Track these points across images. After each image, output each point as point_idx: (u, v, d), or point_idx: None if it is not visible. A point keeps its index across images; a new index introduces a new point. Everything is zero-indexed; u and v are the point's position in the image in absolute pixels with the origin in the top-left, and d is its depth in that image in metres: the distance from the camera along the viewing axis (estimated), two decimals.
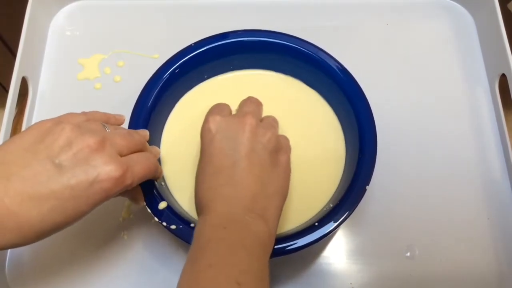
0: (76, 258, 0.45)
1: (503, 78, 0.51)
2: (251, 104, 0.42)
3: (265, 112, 0.44)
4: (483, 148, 0.51)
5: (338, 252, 0.46)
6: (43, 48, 0.56)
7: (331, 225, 0.39)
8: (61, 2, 0.58)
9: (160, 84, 0.44)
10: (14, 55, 0.52)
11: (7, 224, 0.29)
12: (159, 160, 0.44)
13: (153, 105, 0.44)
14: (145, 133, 0.42)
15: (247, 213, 0.34)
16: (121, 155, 0.34)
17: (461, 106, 0.53)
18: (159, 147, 0.45)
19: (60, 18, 0.58)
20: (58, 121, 0.34)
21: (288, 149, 0.41)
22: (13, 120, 0.48)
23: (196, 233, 0.34)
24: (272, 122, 0.41)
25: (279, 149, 0.39)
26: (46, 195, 0.30)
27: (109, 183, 0.32)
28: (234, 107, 0.44)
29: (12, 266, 0.45)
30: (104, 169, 0.32)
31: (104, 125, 0.36)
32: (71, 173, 0.31)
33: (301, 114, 0.47)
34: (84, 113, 0.37)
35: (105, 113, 0.39)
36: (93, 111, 0.39)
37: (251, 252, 0.33)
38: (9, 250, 0.46)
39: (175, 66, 0.45)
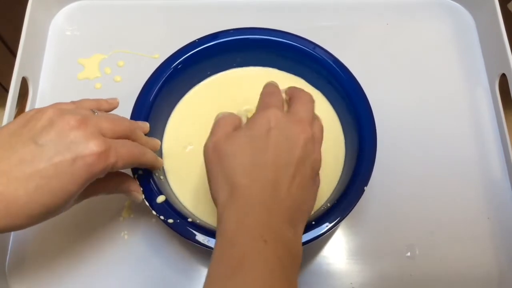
0: (76, 258, 0.45)
1: (503, 78, 0.51)
2: (307, 105, 0.37)
3: None
4: (483, 148, 0.51)
5: (338, 252, 0.46)
6: (43, 48, 0.56)
7: (327, 225, 0.39)
8: (61, 2, 0.58)
9: (163, 79, 0.45)
10: (14, 55, 0.52)
11: None
12: (160, 155, 0.44)
13: (155, 99, 0.44)
14: (145, 125, 0.42)
15: (286, 226, 0.32)
16: (105, 137, 0.34)
17: (461, 106, 0.53)
18: (161, 141, 0.45)
19: (60, 18, 0.58)
20: (42, 108, 0.34)
21: None
22: None
23: (227, 233, 0.31)
24: (320, 135, 0.37)
25: (319, 169, 0.37)
26: (31, 174, 0.31)
27: (92, 158, 0.32)
28: (237, 104, 0.44)
29: (12, 264, 0.45)
30: (86, 145, 0.32)
31: (93, 111, 0.36)
32: (53, 151, 0.32)
33: None
34: (73, 102, 0.37)
35: (96, 99, 0.39)
36: (83, 99, 0.39)
37: (290, 277, 0.30)
38: (9, 248, 0.46)
39: (178, 61, 0.45)
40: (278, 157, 0.33)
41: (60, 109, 0.34)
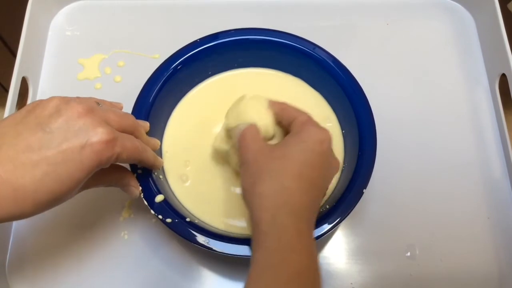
0: (76, 257, 0.45)
1: (503, 78, 0.51)
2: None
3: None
4: (483, 148, 0.51)
5: (338, 252, 0.46)
6: (43, 48, 0.56)
7: (325, 227, 0.39)
8: (61, 2, 0.58)
9: (163, 79, 0.45)
10: (14, 55, 0.52)
11: (1, 192, 0.30)
12: (160, 154, 0.44)
13: (155, 99, 0.44)
14: (145, 124, 0.42)
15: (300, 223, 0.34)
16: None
17: (461, 106, 0.53)
18: (161, 141, 0.45)
19: (60, 18, 0.58)
20: (46, 99, 0.34)
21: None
22: None
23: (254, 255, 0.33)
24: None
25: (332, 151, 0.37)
26: (38, 161, 0.31)
27: (100, 146, 0.32)
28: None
29: (12, 264, 0.45)
30: (95, 132, 0.32)
31: (98, 103, 0.36)
32: (62, 138, 0.32)
33: None
34: (78, 98, 0.37)
35: (100, 99, 0.39)
36: (87, 97, 0.39)
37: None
38: (9, 248, 0.46)
39: (179, 61, 0.46)
40: (324, 170, 0.36)
41: (65, 97, 0.34)
